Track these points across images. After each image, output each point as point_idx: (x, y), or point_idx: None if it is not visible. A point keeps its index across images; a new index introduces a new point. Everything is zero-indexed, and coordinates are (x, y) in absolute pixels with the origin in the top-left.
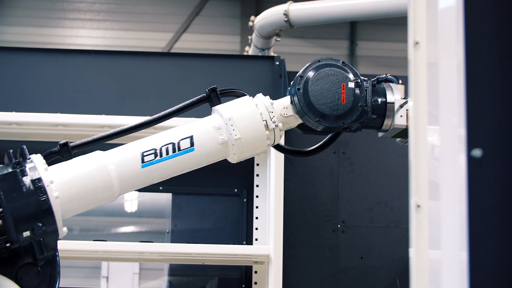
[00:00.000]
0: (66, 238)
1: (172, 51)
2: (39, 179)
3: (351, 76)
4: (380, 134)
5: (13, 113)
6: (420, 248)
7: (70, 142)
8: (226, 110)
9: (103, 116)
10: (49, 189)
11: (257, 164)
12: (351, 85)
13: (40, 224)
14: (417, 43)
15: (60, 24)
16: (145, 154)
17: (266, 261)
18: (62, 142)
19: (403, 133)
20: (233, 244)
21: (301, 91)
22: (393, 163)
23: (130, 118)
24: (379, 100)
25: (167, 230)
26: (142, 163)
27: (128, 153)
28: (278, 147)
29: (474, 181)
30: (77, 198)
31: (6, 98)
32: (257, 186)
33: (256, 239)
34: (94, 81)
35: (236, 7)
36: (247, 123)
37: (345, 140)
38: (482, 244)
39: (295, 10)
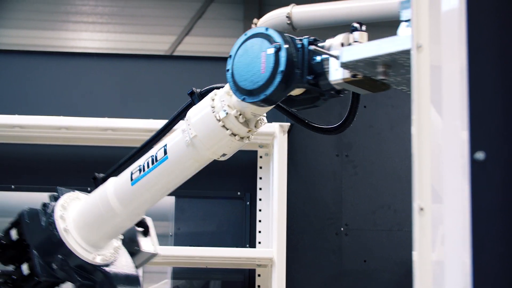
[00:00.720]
0: None
1: (175, 54)
2: (51, 215)
3: (272, 42)
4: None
5: (16, 116)
6: (423, 251)
7: (98, 174)
8: (189, 111)
9: (106, 119)
10: (57, 222)
11: (260, 167)
12: (270, 51)
13: (60, 256)
14: (419, 46)
15: (63, 27)
16: (133, 172)
17: (269, 264)
18: (92, 176)
19: (361, 84)
20: (236, 247)
21: (229, 71)
22: (396, 166)
23: (133, 121)
24: (318, 57)
25: (170, 233)
26: (131, 181)
27: (122, 175)
28: (305, 124)
29: (477, 184)
30: (90, 227)
31: (9, 101)
32: (260, 189)
33: (259, 242)
34: (97, 84)
35: (238, 10)
36: (199, 119)
37: (348, 143)
38: (485, 247)
39: (298, 13)
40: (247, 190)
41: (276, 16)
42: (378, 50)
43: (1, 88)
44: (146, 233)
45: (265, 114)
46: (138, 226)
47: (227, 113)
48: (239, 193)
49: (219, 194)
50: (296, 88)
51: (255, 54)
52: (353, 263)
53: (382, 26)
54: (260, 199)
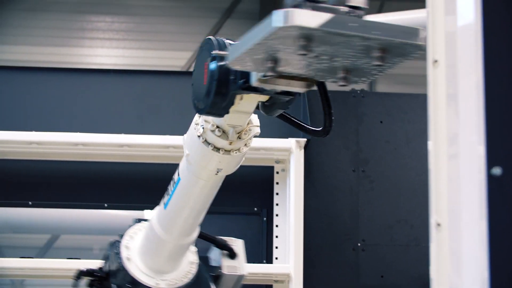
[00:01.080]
0: (85, 257)
1: (191, 69)
2: (118, 244)
3: (211, 51)
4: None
5: (33, 132)
6: (441, 267)
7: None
8: None
9: (122, 135)
10: (121, 251)
11: (277, 183)
12: (208, 61)
13: (128, 284)
14: (436, 61)
15: (79, 44)
16: (164, 196)
17: (287, 280)
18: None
19: (282, 82)
20: (253, 263)
21: (193, 85)
22: (412, 181)
23: (149, 137)
24: None
25: None
26: (163, 205)
27: (162, 200)
28: (297, 125)
29: (494, 200)
30: (148, 254)
31: (26, 117)
32: (277, 204)
33: (276, 258)
34: (113, 100)
35: (254, 26)
36: (188, 137)
37: (364, 158)
38: (503, 262)
39: None
40: (264, 206)
41: None
42: (244, 44)
43: (18, 104)
44: (233, 255)
45: (256, 124)
46: (222, 249)
47: (203, 128)
48: (255, 208)
49: (236, 210)
50: (236, 95)
51: (202, 65)
52: (370, 278)
53: None
54: (277, 215)
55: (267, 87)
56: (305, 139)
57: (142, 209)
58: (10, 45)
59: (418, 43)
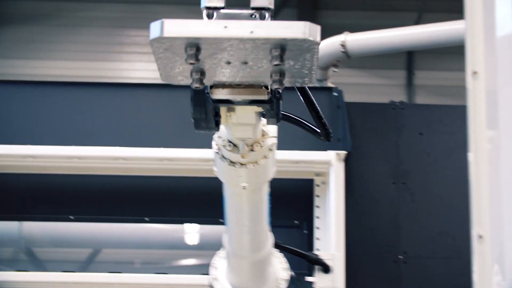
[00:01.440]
0: (127, 270)
1: None
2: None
3: None
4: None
5: (73, 147)
6: (484, 279)
7: None
8: None
9: (162, 149)
10: (210, 272)
11: (317, 196)
12: None
13: None
14: (475, 72)
15: (118, 58)
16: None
17: None
18: None
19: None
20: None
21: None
22: (453, 192)
23: (190, 151)
24: None
25: None
26: (225, 223)
27: None
28: (306, 127)
29: None
30: (231, 273)
31: (66, 132)
32: (318, 217)
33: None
34: (153, 113)
35: None
36: (213, 154)
37: (405, 170)
38: None
39: (352, 41)
40: (305, 219)
41: (330, 44)
42: None
43: (59, 119)
44: (327, 270)
45: (272, 135)
46: (314, 264)
47: (216, 144)
48: (296, 221)
49: (276, 223)
50: (219, 108)
51: None
52: None
53: (440, 53)
54: (317, 228)
55: (231, 98)
56: (345, 152)
57: (182, 223)
58: (50, 60)
59: (296, 37)
